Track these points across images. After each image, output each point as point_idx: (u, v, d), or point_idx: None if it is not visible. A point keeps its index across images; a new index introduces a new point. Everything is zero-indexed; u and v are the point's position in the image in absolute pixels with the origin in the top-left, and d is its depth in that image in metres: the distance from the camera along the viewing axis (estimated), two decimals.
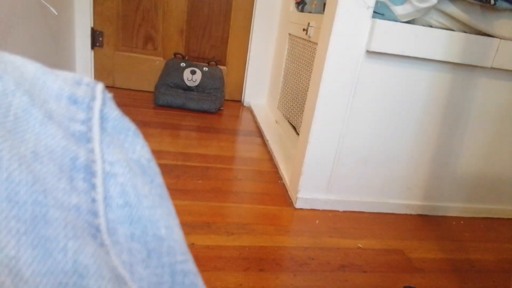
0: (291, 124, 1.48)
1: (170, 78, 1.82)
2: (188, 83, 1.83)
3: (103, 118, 0.18)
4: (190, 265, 0.18)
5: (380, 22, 0.88)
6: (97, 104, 0.18)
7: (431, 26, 0.94)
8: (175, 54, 1.92)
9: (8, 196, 0.13)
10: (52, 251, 0.13)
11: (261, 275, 0.77)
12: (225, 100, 2.05)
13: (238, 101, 2.09)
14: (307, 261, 0.84)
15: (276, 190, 1.13)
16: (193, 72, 1.83)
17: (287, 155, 1.35)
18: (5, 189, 0.13)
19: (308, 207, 1.05)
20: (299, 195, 1.04)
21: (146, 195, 0.18)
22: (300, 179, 1.02)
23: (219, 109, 1.86)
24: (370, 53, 0.92)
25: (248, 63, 1.97)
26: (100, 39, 1.85)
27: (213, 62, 1.95)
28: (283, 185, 1.16)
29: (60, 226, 0.13)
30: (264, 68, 1.98)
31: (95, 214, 0.16)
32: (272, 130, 1.60)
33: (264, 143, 1.51)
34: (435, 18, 0.94)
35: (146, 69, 1.95)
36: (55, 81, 0.17)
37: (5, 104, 0.15)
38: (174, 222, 0.19)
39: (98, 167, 0.17)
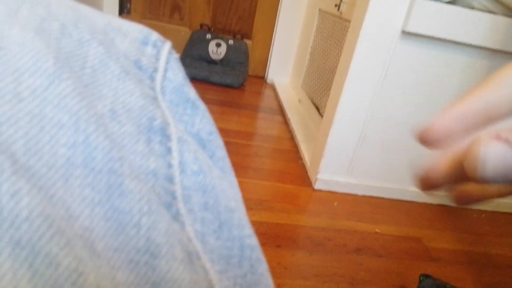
0: (314, 104, 1.45)
1: (195, 49, 1.80)
2: (213, 56, 1.81)
3: (162, 91, 0.17)
4: (256, 240, 0.18)
5: (419, 1, 0.84)
6: (159, 77, 0.17)
7: (473, 8, 0.89)
8: (201, 25, 1.90)
9: (84, 161, 0.12)
10: (125, 225, 0.12)
11: (277, 251, 0.78)
12: (248, 75, 2.02)
13: (262, 77, 2.06)
14: (324, 242, 0.84)
15: (295, 170, 1.12)
16: (218, 45, 1.81)
17: (308, 135, 1.33)
18: (81, 153, 0.12)
19: (327, 188, 1.05)
20: (319, 176, 1.03)
21: (213, 166, 0.17)
22: (321, 160, 1.01)
23: (242, 85, 1.85)
24: (405, 34, 0.88)
25: (274, 39, 1.93)
26: (128, 5, 1.84)
27: (238, 35, 1.91)
28: (303, 165, 1.16)
29: (134, 199, 0.13)
30: (290, 44, 1.93)
31: (171, 180, 0.15)
32: (294, 109, 1.58)
33: (286, 122, 1.49)
34: None
35: (172, 39, 1.91)
36: (122, 42, 0.16)
37: (81, 54, 0.14)
38: (239, 196, 0.19)
39: (173, 130, 0.16)
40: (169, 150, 0.15)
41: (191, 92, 0.19)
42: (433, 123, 0.14)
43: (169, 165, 0.15)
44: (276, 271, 0.73)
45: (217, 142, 0.19)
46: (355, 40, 0.89)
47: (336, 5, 1.29)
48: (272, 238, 0.81)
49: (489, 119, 0.14)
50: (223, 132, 1.27)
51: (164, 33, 2.11)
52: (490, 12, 0.89)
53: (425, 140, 0.14)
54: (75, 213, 0.11)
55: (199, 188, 0.16)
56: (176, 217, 0.15)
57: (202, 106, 0.19)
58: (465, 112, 0.14)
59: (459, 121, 0.14)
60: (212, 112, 1.30)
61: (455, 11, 0.86)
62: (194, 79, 1.76)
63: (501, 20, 0.88)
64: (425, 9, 0.85)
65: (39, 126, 0.11)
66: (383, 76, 0.93)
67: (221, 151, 0.19)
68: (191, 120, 0.18)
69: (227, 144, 1.19)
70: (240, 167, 1.07)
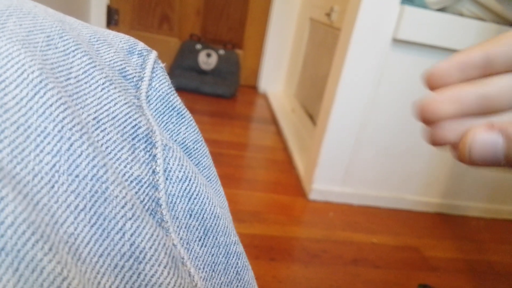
0: (307, 113, 1.44)
1: (185, 60, 1.79)
2: (203, 67, 1.80)
3: (147, 100, 0.18)
4: (242, 248, 0.18)
5: (409, 9, 0.84)
6: (144, 86, 0.18)
7: (462, 15, 0.89)
8: (191, 36, 1.89)
9: (68, 168, 0.12)
10: (109, 231, 0.12)
11: (271, 264, 0.75)
12: (240, 85, 2.01)
13: (253, 87, 2.05)
14: (319, 253, 0.82)
15: (289, 180, 1.10)
16: (208, 55, 1.80)
17: (302, 145, 1.32)
18: (65, 161, 0.12)
19: (322, 199, 1.03)
20: (313, 186, 1.01)
21: (198, 173, 0.17)
22: (315, 170, 1.00)
23: (234, 95, 1.83)
24: (396, 41, 0.88)
25: (266, 48, 1.93)
26: (116, 17, 1.83)
27: (229, 45, 1.91)
28: (297, 175, 1.14)
29: (119, 205, 0.13)
30: (282, 53, 1.93)
31: (155, 187, 0.15)
32: (288, 119, 1.56)
33: (279, 132, 1.48)
34: (467, 6, 0.89)
35: (161, 50, 1.92)
36: (108, 52, 0.17)
37: (66, 65, 0.14)
38: (226, 204, 0.20)
39: (158, 138, 0.16)
40: (154, 157, 0.16)
41: (176, 101, 0.19)
42: (435, 67, 0.15)
43: (154, 172, 0.16)
44: (271, 285, 0.71)
45: (203, 151, 0.20)
46: (346, 48, 0.88)
47: (326, 14, 1.29)
48: (266, 251, 0.79)
49: (486, 70, 0.15)
50: (215, 143, 1.25)
51: (153, 44, 2.10)
52: (480, 19, 0.90)
53: (430, 83, 0.16)
54: (60, 220, 0.11)
55: (184, 195, 0.16)
56: (160, 223, 0.15)
57: (187, 115, 0.19)
58: (466, 60, 0.15)
59: (459, 68, 0.15)
60: (203, 123, 1.27)
61: (445, 18, 0.86)
62: (185, 90, 1.75)
63: (491, 26, 0.88)
64: (415, 17, 0.84)
65: (25, 135, 0.12)
66: (376, 84, 0.92)
67: (207, 160, 0.20)
68: (177, 128, 0.19)
69: (220, 155, 1.17)
70: (232, 179, 1.05)
